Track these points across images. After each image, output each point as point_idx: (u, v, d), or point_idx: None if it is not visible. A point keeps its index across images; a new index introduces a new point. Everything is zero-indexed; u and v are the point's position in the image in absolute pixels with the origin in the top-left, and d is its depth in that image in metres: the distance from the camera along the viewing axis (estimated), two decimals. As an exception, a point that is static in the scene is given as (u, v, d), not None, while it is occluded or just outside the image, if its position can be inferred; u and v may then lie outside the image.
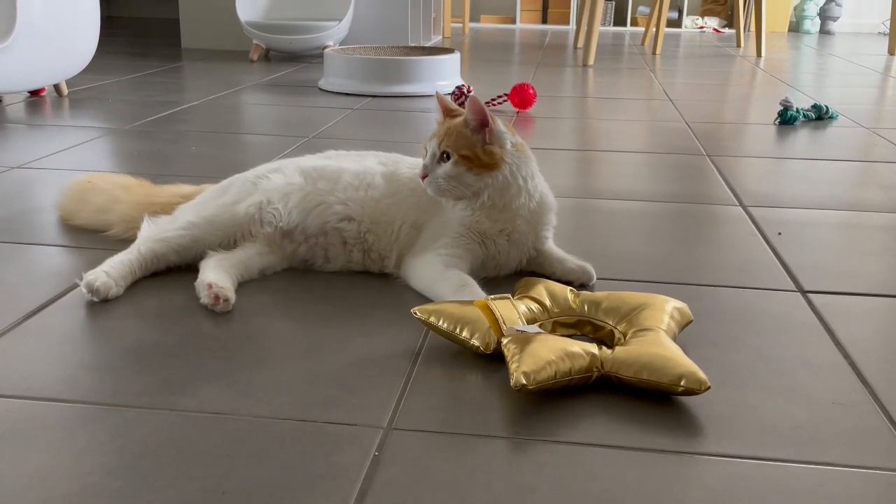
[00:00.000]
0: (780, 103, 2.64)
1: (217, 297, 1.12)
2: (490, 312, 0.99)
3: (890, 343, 1.10)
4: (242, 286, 1.20)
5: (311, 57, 4.16)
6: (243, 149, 2.17)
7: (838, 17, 6.66)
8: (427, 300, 1.16)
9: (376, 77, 3.04)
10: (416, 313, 1.04)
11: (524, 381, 0.88)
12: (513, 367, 0.91)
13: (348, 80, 3.07)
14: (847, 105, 2.97)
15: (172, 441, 0.82)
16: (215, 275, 1.16)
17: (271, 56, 4.19)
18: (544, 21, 7.18)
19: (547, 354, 0.91)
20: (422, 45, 4.39)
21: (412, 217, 1.26)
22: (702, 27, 6.85)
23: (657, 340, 0.97)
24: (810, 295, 1.23)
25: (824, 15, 6.68)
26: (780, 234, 1.52)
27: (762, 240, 1.49)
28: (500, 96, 2.81)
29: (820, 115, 2.68)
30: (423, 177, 1.21)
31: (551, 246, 1.29)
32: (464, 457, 0.81)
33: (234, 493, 0.74)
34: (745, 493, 0.76)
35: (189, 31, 4.46)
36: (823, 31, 6.71)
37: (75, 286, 1.18)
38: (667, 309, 1.05)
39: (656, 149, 2.27)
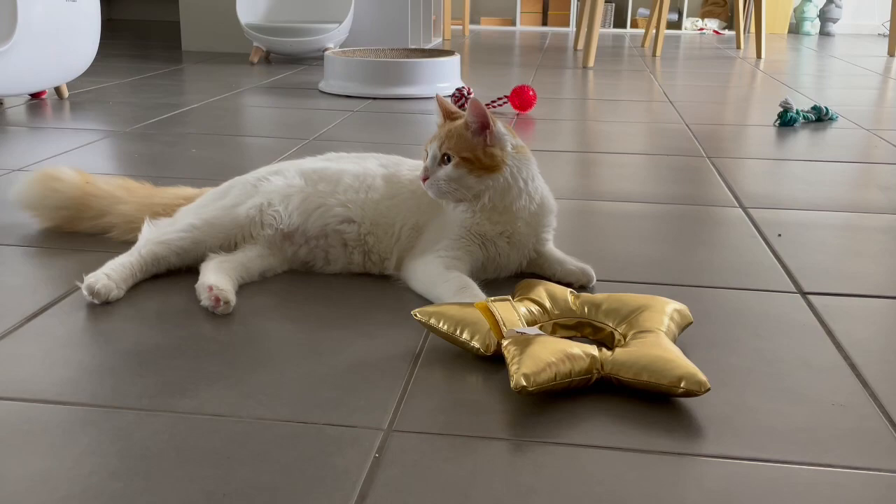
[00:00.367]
0: (780, 105, 2.64)
1: (218, 300, 1.12)
2: (490, 314, 0.99)
3: (890, 344, 1.10)
4: (243, 288, 1.20)
5: (312, 59, 4.16)
6: (244, 151, 2.18)
7: (838, 19, 6.66)
8: (427, 302, 1.16)
9: (376, 79, 3.04)
10: (416, 315, 1.04)
11: (524, 383, 0.88)
12: (513, 368, 0.91)
13: (348, 83, 3.07)
14: (847, 106, 2.97)
15: (173, 443, 0.82)
16: (216, 277, 1.17)
17: (271, 58, 4.20)
18: (544, 23, 7.18)
19: (547, 356, 0.91)
20: (422, 47, 4.40)
21: (413, 219, 1.26)
22: (702, 29, 6.85)
23: (657, 342, 0.97)
24: (810, 296, 1.24)
25: (824, 16, 6.68)
26: (779, 235, 1.52)
27: (762, 241, 1.49)
28: (500, 98, 2.81)
29: (820, 117, 2.68)
30: (425, 179, 1.21)
31: (551, 248, 1.29)
32: (464, 458, 0.81)
33: (235, 495, 0.74)
34: (745, 494, 0.76)
35: (189, 34, 4.46)
36: (823, 33, 6.71)
37: (76, 289, 1.18)
38: (667, 311, 1.05)
39: (656, 151, 2.27)
